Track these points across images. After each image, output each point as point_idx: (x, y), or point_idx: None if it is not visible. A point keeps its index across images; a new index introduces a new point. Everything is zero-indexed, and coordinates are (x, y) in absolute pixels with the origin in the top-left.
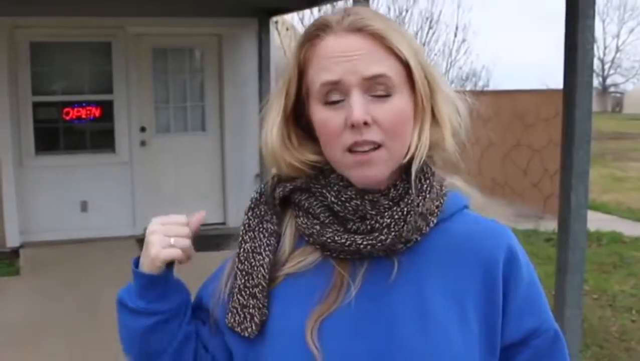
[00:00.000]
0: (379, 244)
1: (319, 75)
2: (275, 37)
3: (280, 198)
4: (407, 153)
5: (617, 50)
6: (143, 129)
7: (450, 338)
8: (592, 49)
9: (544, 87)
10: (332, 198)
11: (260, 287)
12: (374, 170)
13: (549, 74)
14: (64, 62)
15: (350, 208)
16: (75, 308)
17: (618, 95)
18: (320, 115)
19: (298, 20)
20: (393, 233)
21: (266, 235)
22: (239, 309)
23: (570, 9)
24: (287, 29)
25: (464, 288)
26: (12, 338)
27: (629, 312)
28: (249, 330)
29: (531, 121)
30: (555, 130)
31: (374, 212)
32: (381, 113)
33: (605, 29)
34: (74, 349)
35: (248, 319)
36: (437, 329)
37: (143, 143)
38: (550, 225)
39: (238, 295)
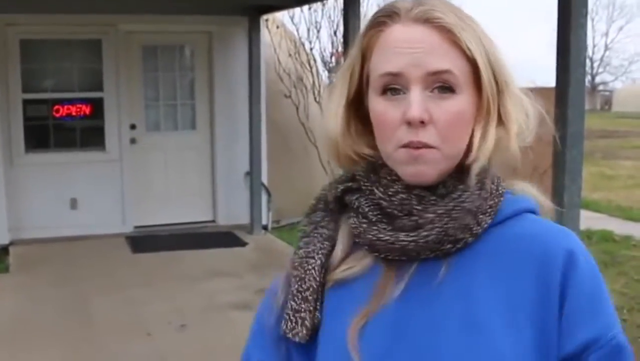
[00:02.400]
0: (423, 241)
1: (380, 65)
2: (265, 35)
3: (335, 200)
4: (467, 153)
5: (606, 48)
6: (133, 127)
7: (498, 349)
8: (585, 47)
9: (532, 85)
10: (380, 194)
11: (311, 290)
12: (424, 167)
13: (537, 71)
14: (54, 60)
15: (396, 203)
16: (65, 306)
17: (607, 93)
18: (378, 106)
19: (288, 18)
20: (436, 230)
21: (320, 239)
22: (291, 315)
23: (562, 8)
24: (278, 27)
25: (517, 292)
26: (1, 336)
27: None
28: (300, 334)
29: None
30: (545, 129)
31: (419, 207)
32: (440, 112)
33: (594, 27)
34: (65, 347)
35: (299, 323)
36: (483, 338)
37: (133, 141)
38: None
39: (291, 301)
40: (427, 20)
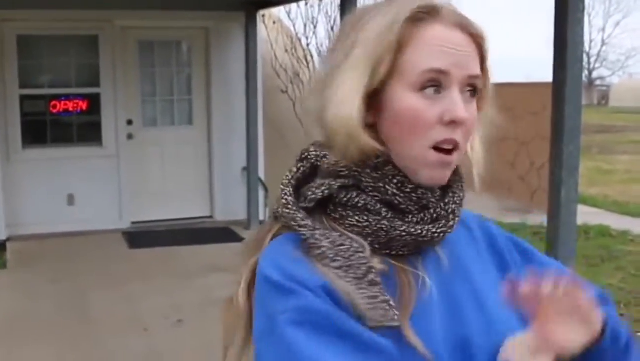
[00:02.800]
0: (449, 230)
1: (424, 61)
2: (262, 31)
3: (321, 197)
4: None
5: (603, 43)
6: (130, 122)
7: (502, 312)
8: (582, 43)
9: (528, 81)
10: (394, 190)
11: (373, 271)
12: (448, 173)
13: (534, 67)
14: (51, 55)
15: (414, 198)
16: (62, 302)
17: (604, 88)
18: (413, 102)
19: (285, 14)
20: (457, 218)
21: (329, 230)
22: (372, 303)
23: (559, 3)
24: (274, 22)
25: (487, 263)
26: None
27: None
28: (396, 317)
29: (518, 114)
30: (542, 124)
31: (434, 200)
32: (469, 113)
33: (591, 22)
34: (62, 342)
35: (387, 308)
36: (491, 307)
37: (130, 137)
38: (536, 218)
39: (360, 291)
40: (466, 27)
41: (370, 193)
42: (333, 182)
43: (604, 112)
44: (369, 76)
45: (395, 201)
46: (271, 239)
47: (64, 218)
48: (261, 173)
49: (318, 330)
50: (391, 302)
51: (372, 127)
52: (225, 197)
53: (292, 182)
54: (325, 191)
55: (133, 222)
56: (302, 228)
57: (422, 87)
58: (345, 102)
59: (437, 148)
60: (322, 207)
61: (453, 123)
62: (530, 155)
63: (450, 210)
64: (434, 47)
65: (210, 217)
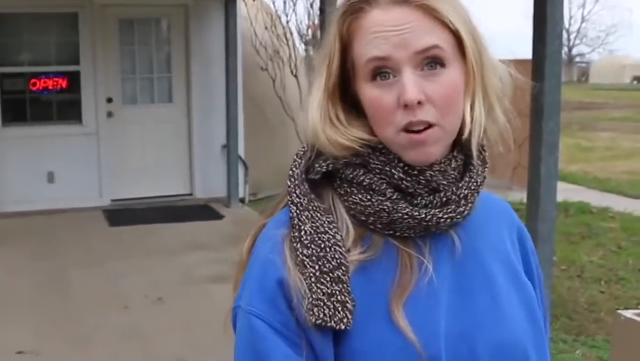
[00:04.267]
0: (458, 216)
1: (365, 51)
2: (242, 8)
3: (324, 172)
4: (462, 126)
5: (583, 20)
6: (110, 100)
7: (514, 304)
8: (562, 18)
9: (511, 57)
10: (400, 174)
11: (342, 268)
12: (430, 149)
13: (517, 43)
14: (30, 33)
15: (423, 181)
16: (42, 279)
17: (584, 65)
18: (369, 93)
19: None
20: (470, 205)
21: (323, 213)
22: (325, 300)
23: None
24: (254, 0)
25: (508, 251)
26: None
27: (597, 283)
28: (345, 320)
29: None
30: (523, 101)
31: (444, 182)
32: (435, 89)
33: None
34: (42, 320)
35: (340, 309)
36: (504, 298)
37: (110, 114)
38: (517, 195)
39: (317, 285)
40: (405, 1)
41: (378, 175)
42: (340, 157)
43: (584, 89)
44: (326, 77)
45: (403, 185)
46: (282, 208)
47: (44, 196)
48: (241, 151)
49: (245, 342)
50: (349, 305)
51: (364, 119)
52: (205, 174)
53: (308, 153)
54: (330, 165)
55: (113, 200)
56: (292, 206)
57: (373, 77)
58: (310, 102)
59: (406, 130)
60: (332, 182)
61: (407, 106)
62: (511, 131)
63: (462, 195)
64: (371, 36)
65: (191, 194)
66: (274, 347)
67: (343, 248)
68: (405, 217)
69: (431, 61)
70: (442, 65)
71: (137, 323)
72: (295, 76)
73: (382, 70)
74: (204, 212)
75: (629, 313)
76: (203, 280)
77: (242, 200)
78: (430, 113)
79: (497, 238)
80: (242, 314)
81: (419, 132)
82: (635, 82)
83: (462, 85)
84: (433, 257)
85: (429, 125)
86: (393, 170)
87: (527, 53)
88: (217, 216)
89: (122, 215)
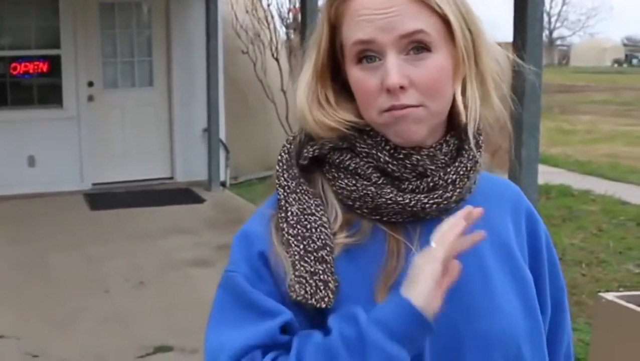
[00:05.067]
0: (445, 202)
1: (351, 34)
2: None
3: (312, 157)
4: (453, 109)
5: (564, 3)
6: (90, 84)
7: (509, 294)
8: (542, 2)
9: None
10: (387, 158)
11: (327, 249)
12: (412, 127)
13: (497, 27)
14: (11, 17)
15: (409, 166)
16: (23, 263)
17: (565, 48)
18: (355, 75)
19: None
20: (458, 190)
21: (311, 196)
22: (307, 278)
23: None
24: None
25: (508, 238)
26: None
27: (578, 266)
28: (326, 299)
29: None
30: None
31: (433, 167)
32: (419, 74)
33: None
34: (23, 304)
35: (322, 287)
36: (498, 286)
37: (90, 98)
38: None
39: (301, 263)
40: None
41: (365, 158)
42: (327, 142)
43: (564, 72)
44: (315, 59)
45: (389, 169)
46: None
47: (24, 180)
48: (222, 135)
49: (230, 298)
50: (331, 285)
51: (353, 101)
52: (186, 158)
53: (298, 137)
54: (317, 151)
55: (94, 184)
56: (280, 189)
57: (359, 60)
58: (299, 84)
59: (388, 110)
60: (322, 167)
61: (390, 90)
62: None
63: (449, 180)
64: (357, 19)
65: (171, 178)
66: (264, 299)
67: (329, 230)
68: (389, 202)
69: (416, 45)
70: (428, 49)
71: (118, 307)
72: (277, 59)
73: (367, 54)
74: (185, 195)
75: (610, 296)
76: (184, 263)
77: (223, 184)
78: (414, 97)
79: (497, 224)
80: (229, 275)
81: (399, 109)
82: (615, 65)
83: (449, 69)
84: (422, 243)
85: (413, 107)
86: (379, 154)
87: (507, 37)
88: (198, 200)
89: (103, 199)
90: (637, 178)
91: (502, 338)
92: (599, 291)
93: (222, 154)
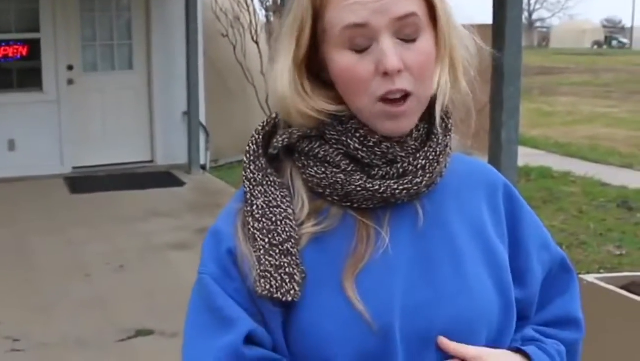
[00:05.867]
0: (415, 188)
1: (341, 18)
2: None
3: (283, 146)
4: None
5: None
6: (70, 67)
7: (482, 276)
8: None
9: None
10: (356, 145)
11: (292, 241)
12: (406, 122)
13: (475, 8)
14: None
15: (379, 153)
16: (3, 247)
17: (544, 29)
18: (344, 61)
19: None
20: (428, 175)
21: (277, 187)
22: (272, 272)
23: None
24: None
25: (482, 219)
26: None
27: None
28: (292, 291)
29: None
30: (482, 65)
31: (402, 154)
32: (412, 57)
33: None
34: (2, 288)
35: (287, 280)
36: (471, 269)
37: (70, 82)
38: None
39: (265, 257)
40: None
41: (334, 145)
42: (295, 131)
43: (544, 54)
44: (295, 44)
45: (359, 155)
46: None
47: (4, 163)
48: (202, 118)
49: (200, 301)
50: (297, 277)
51: (329, 86)
52: (166, 141)
53: (266, 128)
54: (286, 140)
55: (74, 167)
56: (246, 182)
57: (349, 45)
58: (277, 71)
59: (384, 99)
60: (292, 156)
61: (387, 74)
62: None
63: (419, 165)
64: (347, 2)
65: (151, 161)
66: (229, 304)
67: (294, 222)
68: (359, 188)
69: (408, 28)
70: (418, 32)
71: (98, 291)
72: (256, 42)
73: (358, 38)
74: (165, 178)
75: (590, 278)
76: (164, 247)
77: (203, 167)
78: (408, 81)
79: (471, 206)
80: (199, 276)
81: (395, 102)
82: (595, 47)
83: (434, 53)
84: (392, 228)
85: (406, 94)
86: (349, 140)
87: (486, 18)
88: (178, 183)
89: (83, 182)
90: (617, 160)
91: (474, 321)
92: (580, 273)
93: (202, 137)
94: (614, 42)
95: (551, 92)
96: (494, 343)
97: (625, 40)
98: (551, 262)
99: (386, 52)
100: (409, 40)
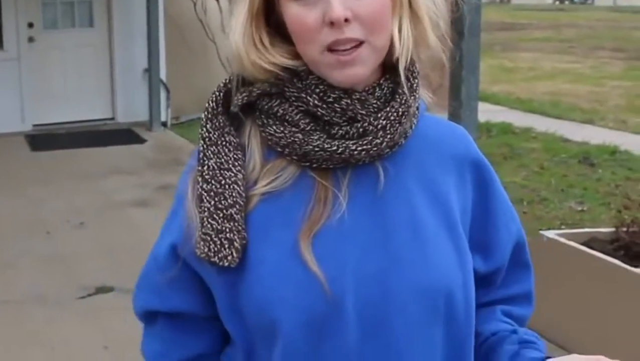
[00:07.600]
0: (374, 149)
1: None
2: None
3: (242, 105)
4: (390, 50)
5: None
6: (31, 25)
7: (442, 244)
8: None
9: None
10: (316, 101)
11: (237, 207)
12: (358, 69)
13: None
14: None
15: (339, 110)
16: None
17: None
18: (293, 11)
19: None
20: (389, 136)
21: (231, 148)
22: (212, 236)
23: None
24: None
25: (445, 188)
26: None
27: (520, 203)
28: (229, 257)
29: None
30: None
31: (364, 112)
32: (361, 6)
33: None
34: None
35: (226, 246)
36: (431, 237)
37: (31, 40)
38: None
39: (209, 220)
40: None
41: (295, 103)
42: (254, 89)
43: (506, 10)
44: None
45: (319, 113)
46: None
47: None
48: (163, 75)
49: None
50: (236, 243)
51: (290, 41)
52: (127, 98)
53: (229, 85)
54: (245, 98)
55: (35, 125)
56: (201, 141)
57: None
58: (233, 26)
59: (333, 50)
60: (254, 114)
61: (333, 24)
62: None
63: (380, 126)
64: None
65: (113, 119)
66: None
67: (242, 188)
68: (317, 149)
69: None
70: None
71: (59, 249)
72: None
73: None
74: (126, 136)
75: (551, 234)
76: (125, 204)
77: (164, 124)
78: (358, 31)
79: (435, 172)
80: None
81: (345, 51)
82: (557, 3)
83: (389, 4)
84: (351, 191)
85: (358, 43)
86: (308, 97)
87: None
88: (139, 140)
89: (44, 140)
90: (579, 116)
91: (434, 290)
92: (541, 229)
93: (163, 94)
94: None
95: (513, 48)
96: (453, 312)
97: None
98: (517, 234)
99: (332, 2)
100: None
